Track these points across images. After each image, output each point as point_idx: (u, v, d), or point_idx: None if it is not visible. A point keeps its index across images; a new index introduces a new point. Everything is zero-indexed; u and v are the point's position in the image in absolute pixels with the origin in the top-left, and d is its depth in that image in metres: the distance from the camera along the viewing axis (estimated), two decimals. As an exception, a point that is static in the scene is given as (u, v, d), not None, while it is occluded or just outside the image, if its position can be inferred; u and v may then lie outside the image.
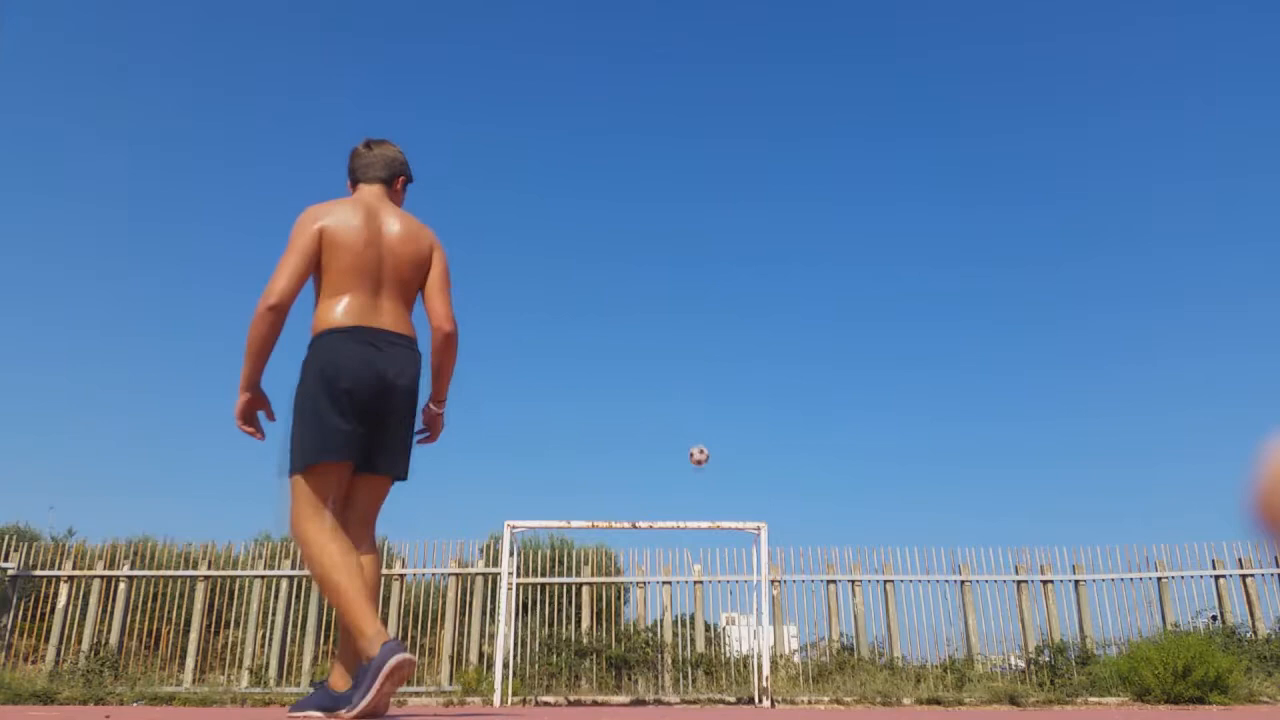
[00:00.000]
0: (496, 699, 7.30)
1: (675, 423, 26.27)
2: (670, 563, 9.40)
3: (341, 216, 2.73)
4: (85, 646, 9.08)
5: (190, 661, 9.06)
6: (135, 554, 9.56)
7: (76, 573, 9.43)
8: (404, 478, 2.84)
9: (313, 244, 2.67)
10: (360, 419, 2.65)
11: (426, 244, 2.88)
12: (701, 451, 7.11)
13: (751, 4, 30.51)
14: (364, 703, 2.29)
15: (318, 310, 2.70)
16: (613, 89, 31.65)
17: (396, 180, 2.96)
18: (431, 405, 2.95)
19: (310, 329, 2.71)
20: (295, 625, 9.31)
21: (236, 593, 9.47)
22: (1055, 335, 26.18)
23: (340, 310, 2.67)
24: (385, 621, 9.15)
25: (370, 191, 2.90)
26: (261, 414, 2.75)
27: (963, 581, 9.36)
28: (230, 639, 9.30)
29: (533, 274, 28.87)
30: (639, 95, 31.65)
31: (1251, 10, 24.61)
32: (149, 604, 9.43)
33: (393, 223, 2.83)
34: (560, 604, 9.36)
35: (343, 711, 2.37)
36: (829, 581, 9.38)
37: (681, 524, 7.77)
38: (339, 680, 2.55)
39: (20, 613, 9.36)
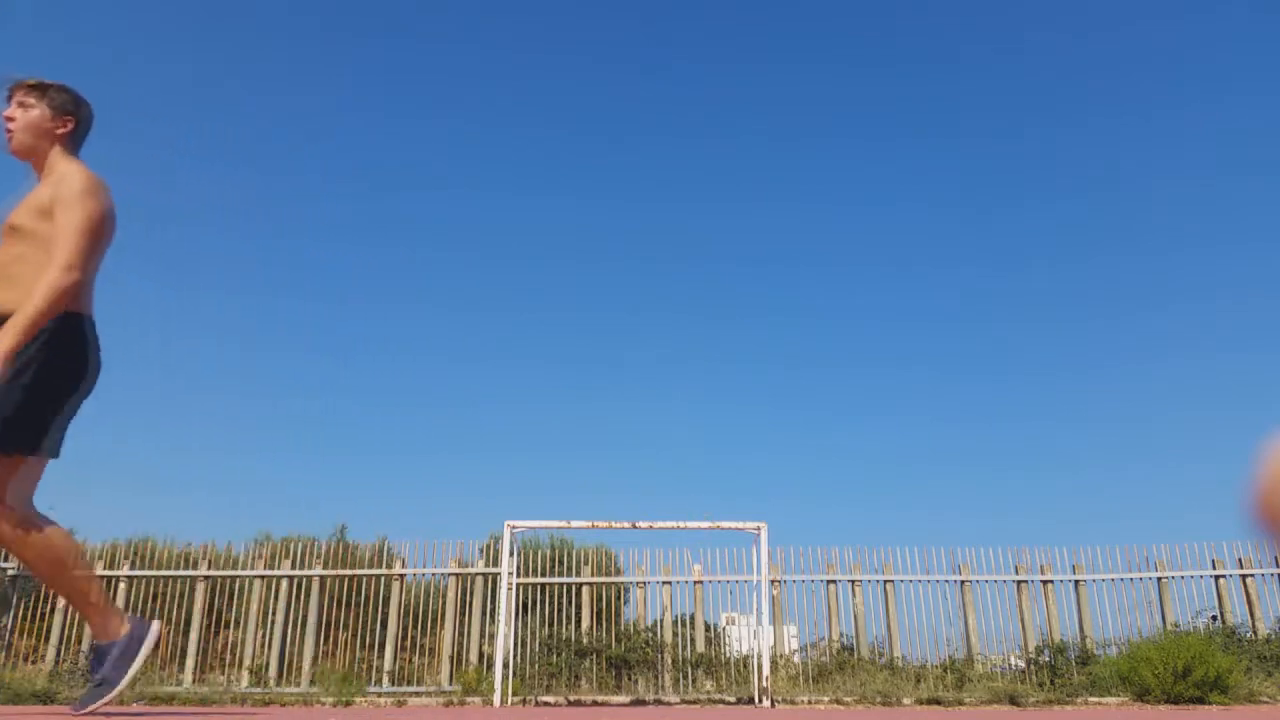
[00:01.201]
0: (496, 699, 7.30)
1: (675, 422, 26.28)
2: (670, 563, 9.41)
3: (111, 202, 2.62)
4: (85, 646, 9.08)
5: (190, 661, 9.06)
6: (135, 554, 9.56)
7: (76, 573, 9.41)
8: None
9: (111, 227, 2.56)
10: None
11: None
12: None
13: (752, 4, 30.53)
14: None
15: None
16: (613, 89, 31.66)
17: None
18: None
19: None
20: (295, 625, 9.30)
21: (236, 593, 9.47)
22: (1055, 335, 26.19)
23: (88, 297, 2.58)
24: (385, 622, 9.17)
25: None
26: None
27: (963, 581, 9.36)
28: (230, 639, 9.30)
29: (532, 274, 28.88)
30: (639, 95, 31.67)
31: (1251, 10, 24.62)
32: (149, 604, 9.42)
33: None
34: (560, 604, 9.36)
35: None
36: (829, 581, 9.37)
37: (681, 524, 7.77)
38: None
39: (20, 613, 9.35)
